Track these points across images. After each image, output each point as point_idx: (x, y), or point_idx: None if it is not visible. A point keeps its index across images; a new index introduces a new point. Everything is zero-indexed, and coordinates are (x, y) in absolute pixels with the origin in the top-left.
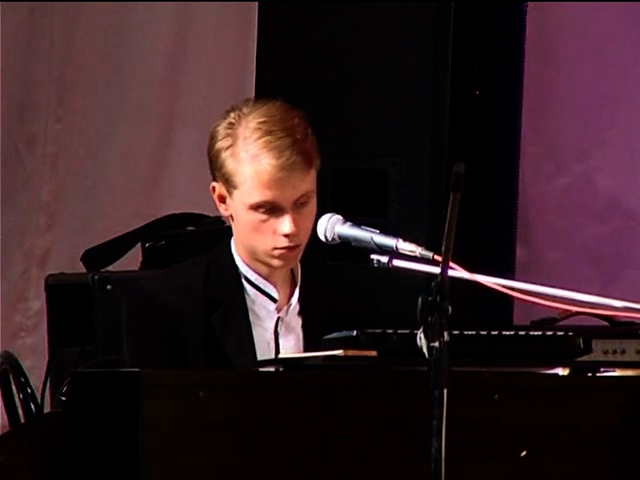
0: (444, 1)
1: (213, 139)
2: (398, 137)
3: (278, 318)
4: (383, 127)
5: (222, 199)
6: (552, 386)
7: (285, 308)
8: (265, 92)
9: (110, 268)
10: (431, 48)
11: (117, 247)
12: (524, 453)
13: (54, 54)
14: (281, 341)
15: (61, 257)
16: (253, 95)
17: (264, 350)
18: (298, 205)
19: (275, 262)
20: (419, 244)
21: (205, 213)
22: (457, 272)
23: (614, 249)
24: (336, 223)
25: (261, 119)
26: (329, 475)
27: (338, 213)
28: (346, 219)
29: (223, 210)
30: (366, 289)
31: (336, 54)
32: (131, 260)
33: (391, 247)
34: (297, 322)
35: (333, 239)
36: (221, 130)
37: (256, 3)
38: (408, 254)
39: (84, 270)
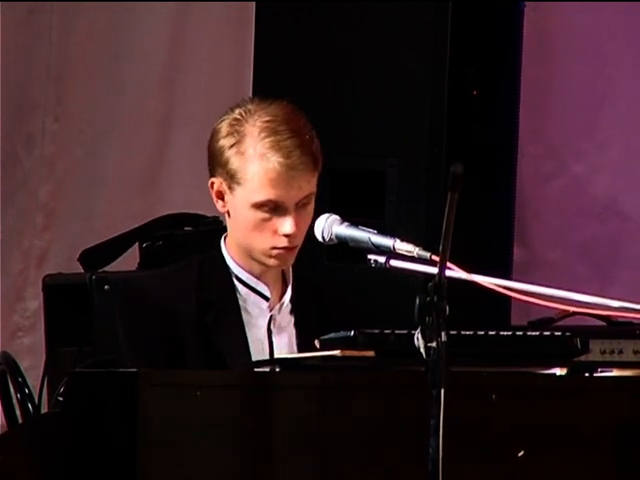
0: (442, 1)
1: (217, 135)
2: (396, 138)
3: (271, 316)
4: (381, 127)
5: (220, 195)
6: (550, 386)
7: (277, 306)
8: (263, 92)
9: (108, 268)
10: (429, 48)
11: (115, 247)
12: (521, 453)
13: (52, 54)
14: (274, 339)
15: (59, 257)
16: (251, 95)
17: (258, 349)
18: (300, 206)
19: (271, 262)
20: (416, 244)
21: (203, 213)
22: (455, 272)
23: (612, 249)
24: (334, 223)
25: (269, 118)
26: (326, 475)
27: (336, 213)
28: (344, 219)
29: (220, 207)
30: (363, 289)
31: (334, 54)
32: (129, 260)
33: (388, 247)
34: (289, 320)
35: (331, 239)
36: (226, 126)
37: (253, 3)
38: (405, 254)
39: (82, 270)
